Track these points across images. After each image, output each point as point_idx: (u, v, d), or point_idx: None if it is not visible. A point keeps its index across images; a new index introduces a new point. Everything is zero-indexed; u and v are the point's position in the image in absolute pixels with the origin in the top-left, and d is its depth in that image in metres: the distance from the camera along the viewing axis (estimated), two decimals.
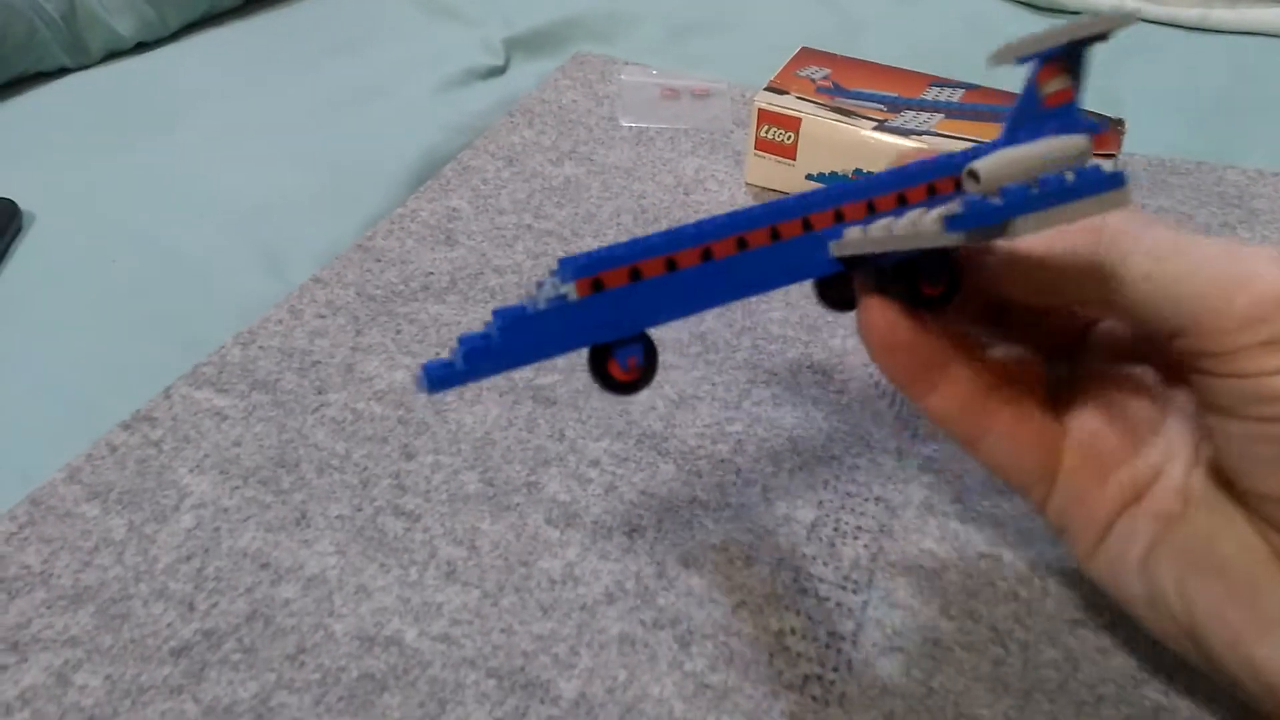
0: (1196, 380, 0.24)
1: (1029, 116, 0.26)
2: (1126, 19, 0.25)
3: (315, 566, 0.32)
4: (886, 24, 0.72)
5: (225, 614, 0.31)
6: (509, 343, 0.22)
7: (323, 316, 0.43)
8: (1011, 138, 0.26)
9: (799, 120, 0.50)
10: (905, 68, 0.55)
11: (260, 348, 0.41)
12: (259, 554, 0.33)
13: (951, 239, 0.20)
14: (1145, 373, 0.28)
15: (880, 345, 0.26)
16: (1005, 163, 0.25)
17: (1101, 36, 0.25)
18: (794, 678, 0.30)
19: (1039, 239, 0.24)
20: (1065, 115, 0.27)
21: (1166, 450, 0.26)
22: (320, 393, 0.39)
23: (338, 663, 0.30)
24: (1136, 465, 0.27)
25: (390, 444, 0.37)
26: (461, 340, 0.22)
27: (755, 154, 0.52)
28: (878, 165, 0.49)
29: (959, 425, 0.27)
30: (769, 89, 0.52)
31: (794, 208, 0.25)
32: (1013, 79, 0.54)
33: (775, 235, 0.25)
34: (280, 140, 0.57)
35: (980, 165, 0.24)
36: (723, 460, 0.37)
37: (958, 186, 0.26)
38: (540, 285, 0.24)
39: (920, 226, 0.21)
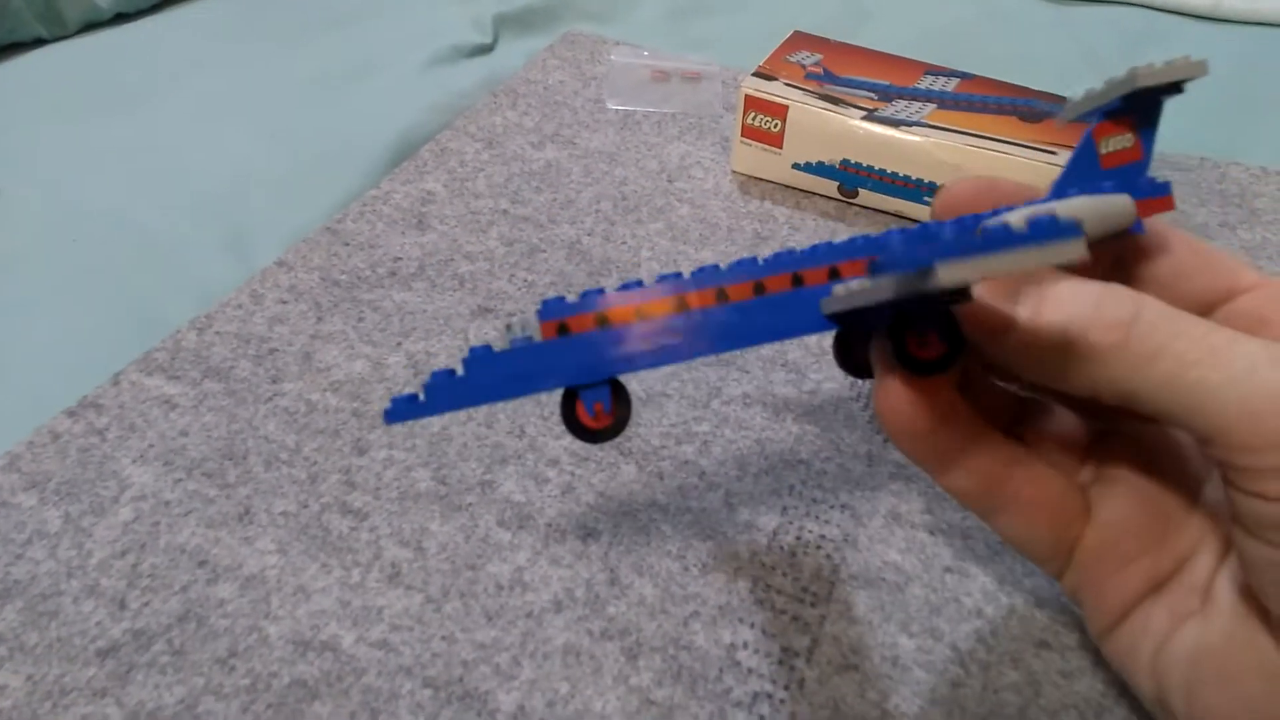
0: (1225, 487, 0.22)
1: (1083, 177, 0.24)
2: (1195, 68, 0.22)
3: (254, 565, 0.31)
4: (896, 6, 0.70)
5: (157, 613, 0.30)
6: (472, 379, 0.22)
7: (284, 302, 0.42)
8: (1059, 195, 0.24)
9: (786, 108, 0.49)
10: (903, 55, 0.53)
11: (216, 333, 0.40)
12: (197, 551, 0.32)
13: (885, 289, 0.18)
14: (1185, 443, 0.26)
15: (898, 433, 0.24)
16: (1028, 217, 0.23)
17: (1173, 88, 0.23)
18: (743, 695, 0.28)
19: (1058, 325, 0.21)
20: (1126, 177, 0.24)
21: (1193, 541, 0.24)
22: (275, 382, 0.38)
23: (269, 668, 0.28)
24: (1160, 556, 0.25)
25: (343, 438, 0.36)
26: (432, 374, 0.22)
27: (742, 141, 0.51)
28: (864, 156, 0.48)
29: (976, 501, 0.25)
30: (757, 74, 0.50)
31: (786, 263, 0.23)
32: (1014, 70, 0.52)
33: (760, 290, 0.23)
34: (257, 118, 0.55)
35: (1010, 218, 0.23)
36: (686, 462, 0.36)
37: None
38: (510, 327, 0.23)
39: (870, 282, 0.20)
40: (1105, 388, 0.21)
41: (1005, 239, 0.17)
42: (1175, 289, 0.24)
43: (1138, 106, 0.24)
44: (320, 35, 0.64)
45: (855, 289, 0.21)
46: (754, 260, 0.23)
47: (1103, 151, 0.24)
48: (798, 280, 0.23)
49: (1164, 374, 0.20)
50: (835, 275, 0.23)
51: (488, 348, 0.22)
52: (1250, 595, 0.22)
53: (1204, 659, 0.23)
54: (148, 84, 0.58)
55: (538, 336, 0.22)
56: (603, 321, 0.23)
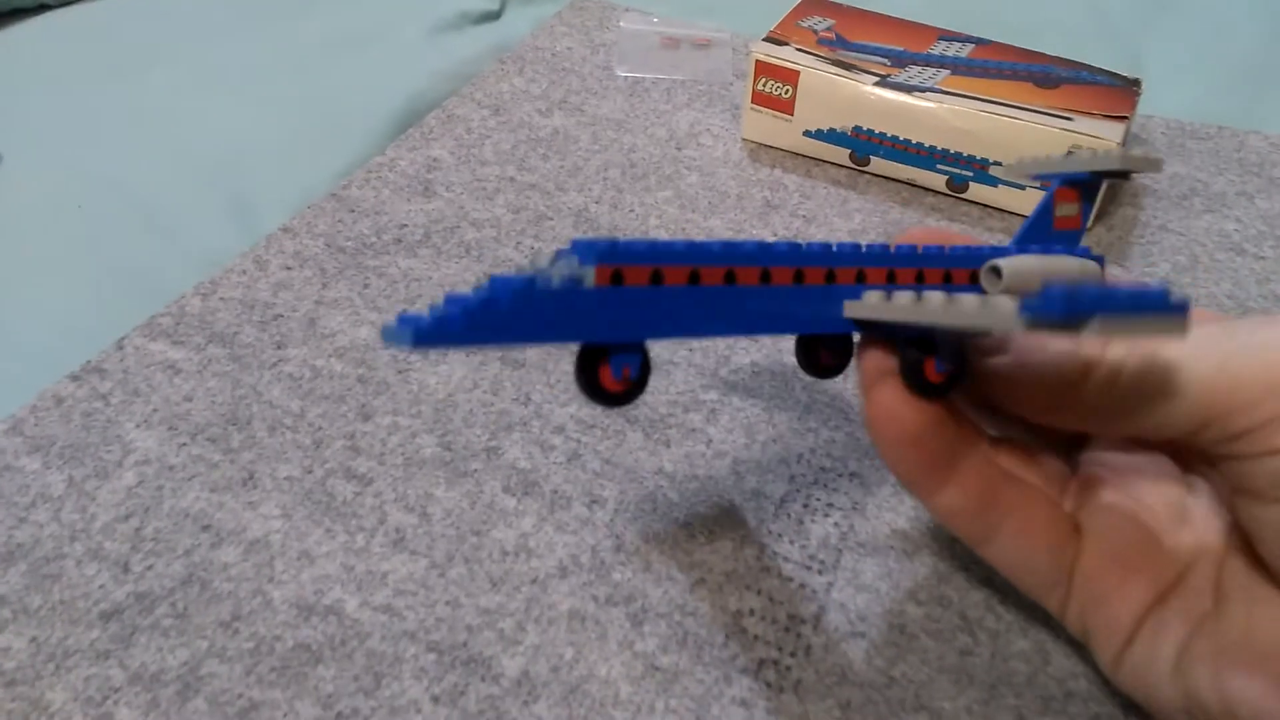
0: (1225, 467, 0.22)
1: (1038, 235, 0.26)
2: (1153, 163, 0.25)
3: (259, 530, 0.31)
4: None
5: (161, 577, 0.30)
6: (514, 311, 0.19)
7: (289, 268, 0.41)
8: (1020, 251, 0.25)
9: (797, 74, 0.48)
10: (916, 20, 0.52)
11: (221, 299, 0.39)
12: (201, 515, 0.31)
13: (1018, 323, 0.18)
14: (1161, 460, 0.26)
15: (891, 439, 0.24)
16: (1027, 266, 0.24)
17: (1124, 175, 0.26)
18: (749, 661, 0.28)
19: (1039, 350, 0.23)
20: (1069, 242, 0.26)
21: (1194, 543, 0.24)
22: (279, 348, 0.37)
23: (273, 631, 0.28)
24: (1161, 561, 0.24)
25: (347, 403, 0.35)
26: (451, 299, 0.19)
27: (752, 108, 0.50)
28: (877, 123, 0.47)
29: (971, 521, 0.25)
30: (768, 39, 0.50)
31: (819, 256, 0.23)
32: (1029, 35, 0.51)
33: (799, 278, 0.23)
34: (264, 83, 0.55)
35: (1004, 263, 0.24)
36: (694, 430, 0.35)
37: (973, 279, 0.25)
38: (548, 261, 0.21)
39: (990, 306, 0.19)
40: (1097, 401, 0.22)
41: (1138, 303, 0.17)
42: None
43: (1090, 184, 0.26)
44: (326, 0, 0.64)
45: (969, 308, 0.20)
46: (798, 246, 0.23)
47: (1057, 214, 0.26)
48: (830, 276, 0.23)
49: (1137, 365, 0.21)
50: (861, 279, 0.23)
51: (530, 280, 0.19)
52: (1265, 570, 0.22)
53: (1228, 647, 0.22)
54: (152, 50, 0.57)
55: (589, 281, 0.20)
56: (657, 279, 0.21)
